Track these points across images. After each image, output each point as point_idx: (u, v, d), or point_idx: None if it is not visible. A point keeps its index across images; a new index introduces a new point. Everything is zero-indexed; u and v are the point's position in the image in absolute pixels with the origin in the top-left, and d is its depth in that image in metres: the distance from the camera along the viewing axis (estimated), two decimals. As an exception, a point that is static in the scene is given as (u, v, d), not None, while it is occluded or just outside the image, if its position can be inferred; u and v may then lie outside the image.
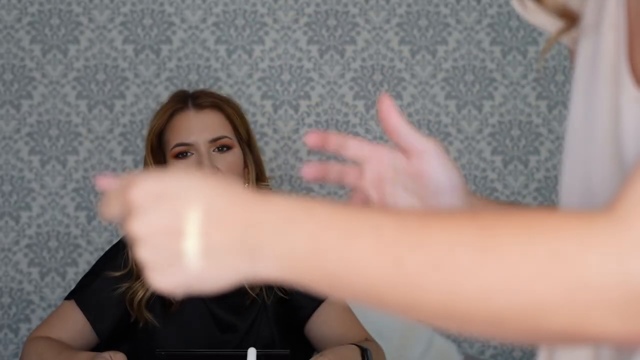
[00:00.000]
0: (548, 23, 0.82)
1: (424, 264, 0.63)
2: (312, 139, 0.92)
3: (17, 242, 2.70)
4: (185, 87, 2.66)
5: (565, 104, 2.74)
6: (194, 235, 0.67)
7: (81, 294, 2.04)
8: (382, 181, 0.91)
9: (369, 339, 2.04)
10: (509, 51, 2.75)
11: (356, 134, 2.73)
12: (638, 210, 0.60)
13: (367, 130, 2.73)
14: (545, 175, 2.74)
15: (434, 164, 0.89)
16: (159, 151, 2.04)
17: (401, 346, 2.38)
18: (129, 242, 0.70)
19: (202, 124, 2.01)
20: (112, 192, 0.72)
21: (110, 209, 0.72)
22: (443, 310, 0.64)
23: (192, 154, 1.98)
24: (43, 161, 2.71)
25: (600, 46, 0.75)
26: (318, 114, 2.74)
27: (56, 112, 2.71)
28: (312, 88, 2.74)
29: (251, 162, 2.06)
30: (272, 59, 2.74)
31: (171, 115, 2.03)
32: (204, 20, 2.73)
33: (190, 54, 2.73)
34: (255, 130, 2.66)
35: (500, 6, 2.75)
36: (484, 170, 2.74)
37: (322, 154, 2.74)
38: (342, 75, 2.74)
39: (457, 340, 2.68)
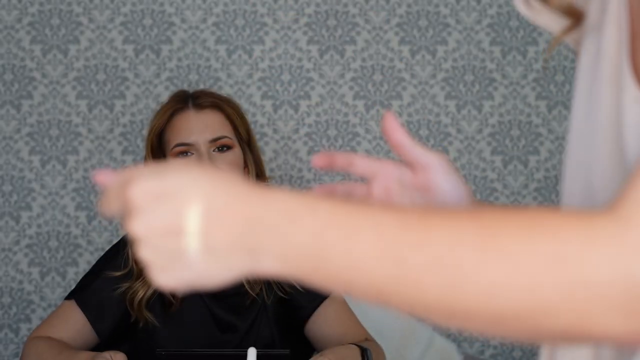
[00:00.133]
0: (552, 22, 0.82)
1: (426, 262, 0.63)
2: (319, 160, 0.93)
3: (17, 242, 2.70)
4: (185, 87, 2.67)
5: (565, 104, 2.74)
6: (194, 234, 0.67)
7: (81, 294, 2.04)
8: (390, 196, 0.91)
9: (369, 338, 2.04)
10: (509, 51, 2.75)
11: (356, 134, 2.73)
12: (639, 210, 0.61)
13: (367, 130, 2.74)
14: (545, 175, 2.74)
15: (439, 177, 0.90)
16: (159, 151, 2.04)
17: (401, 346, 2.39)
18: (130, 240, 0.70)
19: (202, 124, 2.01)
20: (111, 190, 0.72)
21: (110, 207, 0.72)
22: (444, 308, 0.64)
23: (193, 154, 1.99)
24: (43, 161, 2.71)
25: (603, 46, 0.75)
26: (318, 114, 2.74)
27: (56, 112, 2.71)
28: (312, 88, 2.74)
29: (251, 162, 2.06)
30: (272, 59, 2.74)
31: (171, 115, 2.03)
32: (204, 20, 2.74)
33: (191, 54, 2.73)
34: (255, 130, 2.66)
35: (500, 6, 2.75)
36: (483, 170, 2.74)
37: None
38: (342, 75, 2.74)
39: (457, 340, 2.68)
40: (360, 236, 0.65)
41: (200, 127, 2.00)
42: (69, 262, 2.70)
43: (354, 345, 1.91)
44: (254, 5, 2.74)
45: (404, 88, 2.74)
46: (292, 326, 2.07)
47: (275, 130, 2.73)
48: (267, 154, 2.71)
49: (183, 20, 2.73)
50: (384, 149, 2.73)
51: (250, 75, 2.74)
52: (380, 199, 0.92)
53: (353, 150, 2.74)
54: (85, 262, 2.69)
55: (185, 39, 2.73)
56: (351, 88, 2.74)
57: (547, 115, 2.74)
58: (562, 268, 0.60)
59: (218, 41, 2.74)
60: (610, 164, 0.72)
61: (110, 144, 2.71)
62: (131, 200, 0.69)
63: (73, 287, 2.22)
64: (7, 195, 2.70)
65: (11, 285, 2.69)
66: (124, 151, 2.71)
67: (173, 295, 2.02)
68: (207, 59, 2.73)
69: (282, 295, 2.04)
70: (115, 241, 2.24)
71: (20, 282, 2.70)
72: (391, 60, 2.74)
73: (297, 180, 2.73)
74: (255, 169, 2.07)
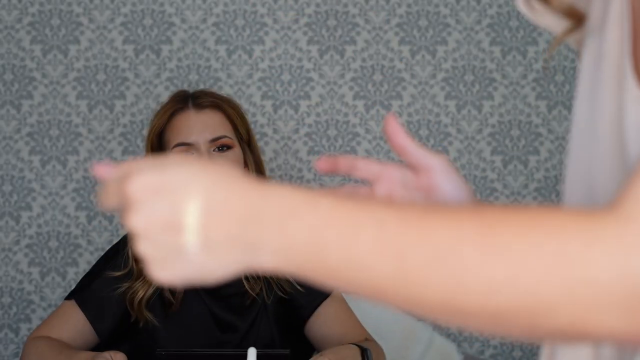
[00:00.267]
0: (554, 24, 0.82)
1: (427, 259, 0.63)
2: (322, 164, 0.93)
3: (17, 242, 2.70)
4: (185, 87, 2.67)
5: (565, 104, 2.74)
6: (193, 229, 0.67)
7: (81, 294, 2.04)
8: (393, 198, 0.92)
9: (369, 338, 2.04)
10: (509, 51, 2.75)
11: (356, 134, 2.74)
12: None
13: (367, 130, 2.74)
14: (544, 175, 2.74)
15: (442, 179, 0.90)
16: (159, 151, 2.04)
17: (401, 346, 2.39)
18: (129, 236, 0.70)
19: (202, 123, 2.01)
20: (110, 184, 0.72)
21: (109, 201, 0.72)
22: (444, 305, 0.64)
23: (193, 153, 1.99)
24: (43, 161, 2.71)
25: (605, 47, 0.75)
26: (318, 114, 2.74)
27: (56, 112, 2.72)
28: (312, 88, 2.74)
29: (251, 162, 2.06)
30: (272, 59, 2.74)
31: (171, 115, 2.04)
32: (204, 20, 2.74)
33: (191, 54, 2.73)
34: (255, 130, 2.66)
35: (500, 6, 2.75)
36: (483, 170, 2.74)
37: (322, 154, 2.74)
38: (342, 75, 2.74)
39: (457, 340, 2.68)
40: (361, 233, 0.65)
41: (200, 127, 2.00)
42: (69, 262, 2.70)
43: (354, 345, 1.92)
44: (254, 5, 2.74)
45: (404, 88, 2.74)
46: (292, 326, 2.07)
47: (275, 130, 2.73)
48: (267, 154, 2.71)
49: (183, 21, 2.73)
50: (384, 149, 2.73)
51: (250, 75, 2.74)
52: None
53: (353, 150, 2.74)
54: (85, 262, 2.69)
55: (185, 39, 2.73)
56: (351, 88, 2.74)
57: (547, 115, 2.74)
58: (563, 266, 0.60)
59: (218, 41, 2.74)
60: (612, 164, 0.72)
61: (110, 144, 2.71)
62: (130, 194, 0.69)
63: (73, 287, 2.22)
64: (7, 195, 2.70)
65: (11, 285, 2.69)
66: (124, 151, 2.71)
67: (173, 295, 2.02)
68: (207, 59, 2.73)
69: (282, 295, 2.04)
70: (115, 241, 2.24)
71: (21, 282, 2.70)
72: (391, 60, 2.75)
73: (297, 180, 2.73)
74: (255, 168, 2.07)
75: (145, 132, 2.58)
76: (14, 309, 2.70)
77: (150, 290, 2.00)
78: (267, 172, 2.22)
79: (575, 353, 0.76)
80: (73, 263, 2.70)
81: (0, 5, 2.71)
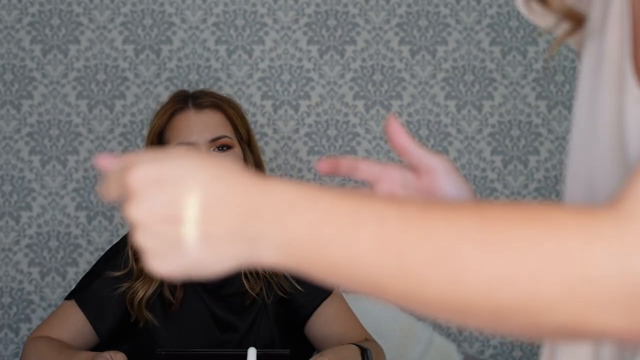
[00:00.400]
0: (554, 25, 0.82)
1: (427, 256, 0.63)
2: (323, 165, 0.93)
3: (17, 242, 2.70)
4: (185, 87, 2.67)
5: (565, 104, 2.75)
6: (192, 222, 0.67)
7: (81, 294, 2.04)
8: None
9: (369, 338, 2.04)
10: (509, 51, 2.75)
11: (356, 134, 2.74)
12: None
13: (367, 130, 2.74)
14: (544, 175, 2.75)
15: (443, 180, 0.90)
16: (160, 151, 2.04)
17: (401, 346, 2.39)
18: (129, 231, 0.70)
19: (202, 123, 2.01)
20: (112, 175, 0.72)
21: (109, 192, 0.72)
22: (443, 302, 0.64)
23: (193, 153, 1.99)
24: (43, 161, 2.71)
25: (605, 47, 0.75)
26: (318, 114, 2.74)
27: (56, 112, 2.72)
28: (312, 88, 2.74)
29: (251, 162, 2.06)
30: (272, 59, 2.74)
31: (171, 115, 2.04)
32: (204, 20, 2.74)
33: (191, 54, 2.73)
34: (255, 130, 2.66)
35: (500, 6, 2.75)
36: (483, 170, 2.74)
37: (322, 154, 2.74)
38: (342, 75, 2.74)
39: (457, 340, 2.68)
40: (361, 229, 0.65)
41: (200, 127, 2.00)
42: (69, 262, 2.70)
43: (354, 345, 1.92)
44: (254, 5, 2.75)
45: (404, 88, 2.75)
46: (292, 326, 2.07)
47: (275, 130, 2.73)
48: (267, 154, 2.71)
49: (183, 21, 2.73)
50: (384, 149, 2.73)
51: (250, 76, 2.74)
52: None
53: (353, 150, 2.74)
54: (85, 262, 2.69)
55: (185, 39, 2.73)
56: (351, 88, 2.74)
57: (547, 115, 2.75)
58: (563, 263, 0.60)
59: (218, 41, 2.74)
60: (612, 164, 0.73)
61: (110, 144, 2.71)
62: (131, 186, 0.69)
63: (73, 287, 2.22)
64: (7, 195, 2.70)
65: (11, 285, 2.69)
66: (124, 151, 2.71)
67: (173, 295, 2.02)
68: (207, 59, 2.73)
69: (282, 295, 2.04)
70: (115, 241, 2.24)
71: (20, 282, 2.70)
72: (391, 60, 2.75)
73: (297, 181, 2.73)
74: (255, 169, 2.07)
75: (145, 132, 2.58)
76: (14, 309, 2.70)
77: (150, 290, 2.00)
78: (267, 172, 2.22)
79: (575, 353, 0.76)
80: (73, 263, 2.70)
81: (0, 5, 2.71)
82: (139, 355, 1.97)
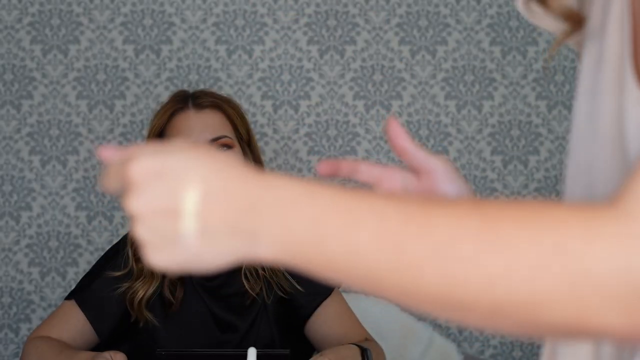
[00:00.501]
0: (553, 26, 0.82)
1: (426, 251, 0.63)
2: (324, 167, 0.93)
3: (17, 242, 2.70)
4: (185, 87, 2.67)
5: (565, 104, 2.75)
6: (191, 216, 0.67)
7: (81, 294, 2.04)
8: None
9: (369, 338, 2.04)
10: (509, 51, 2.75)
11: (356, 134, 2.74)
12: None
13: (367, 130, 2.74)
14: (544, 175, 2.75)
15: (443, 181, 0.90)
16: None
17: (401, 346, 2.39)
18: (127, 218, 0.70)
19: (202, 123, 2.01)
20: (113, 166, 0.72)
21: (110, 183, 0.72)
22: (443, 298, 0.64)
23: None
24: (43, 161, 2.71)
25: (605, 48, 0.75)
26: (318, 114, 2.74)
27: (56, 112, 2.72)
28: (312, 88, 2.74)
29: (251, 162, 2.06)
30: (272, 59, 2.74)
31: (171, 115, 2.04)
32: (204, 20, 2.74)
33: (191, 54, 2.73)
34: (255, 130, 2.66)
35: (500, 6, 2.75)
36: (483, 170, 2.74)
37: (323, 154, 2.74)
38: (342, 75, 2.74)
39: (457, 340, 2.68)
40: (360, 224, 0.65)
41: (200, 127, 2.01)
42: (69, 262, 2.70)
43: (354, 345, 1.92)
44: (254, 5, 2.75)
45: (404, 88, 2.75)
46: (292, 326, 2.07)
47: (275, 130, 2.73)
48: (267, 154, 2.71)
49: (183, 21, 2.73)
50: (384, 149, 2.73)
51: (250, 76, 2.74)
52: None
53: (353, 150, 2.74)
54: (85, 262, 2.69)
55: (185, 39, 2.73)
56: (351, 88, 2.74)
57: (547, 115, 2.75)
58: (562, 260, 0.60)
59: (218, 41, 2.74)
60: (612, 165, 0.73)
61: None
62: (131, 177, 0.69)
63: (73, 287, 2.22)
64: (7, 195, 2.70)
65: (11, 285, 2.69)
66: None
67: (173, 295, 2.02)
68: (207, 59, 2.73)
69: (282, 295, 2.04)
70: (115, 241, 2.24)
71: (20, 282, 2.70)
72: (391, 60, 2.75)
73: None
74: (255, 169, 2.06)
75: (145, 132, 2.58)
76: (14, 309, 2.70)
77: (150, 290, 2.00)
78: (267, 172, 2.22)
79: (576, 353, 0.76)
80: (73, 263, 2.70)
81: (0, 5, 2.71)
82: (139, 355, 1.97)
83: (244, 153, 2.05)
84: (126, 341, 2.04)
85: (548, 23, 0.82)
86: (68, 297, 2.06)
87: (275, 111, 2.74)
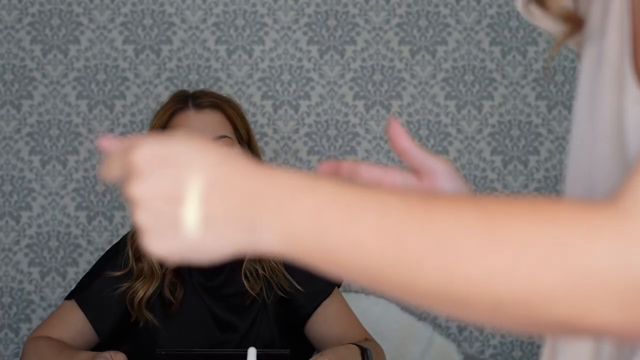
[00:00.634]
0: (553, 26, 0.82)
1: (427, 245, 0.63)
2: (324, 168, 0.93)
3: (17, 242, 2.70)
4: (185, 87, 2.67)
5: (565, 104, 2.75)
6: (194, 203, 0.67)
7: (81, 294, 2.04)
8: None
9: (369, 338, 2.04)
10: (509, 51, 2.75)
11: (356, 134, 2.74)
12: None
13: (367, 130, 2.74)
14: (544, 175, 2.75)
15: (444, 183, 0.90)
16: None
17: (401, 346, 2.39)
18: (128, 204, 0.69)
19: (202, 123, 2.01)
20: (114, 155, 0.71)
21: (111, 171, 0.71)
22: (443, 293, 0.64)
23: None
24: (43, 161, 2.71)
25: (605, 48, 0.75)
26: (318, 114, 2.74)
27: (56, 112, 2.72)
28: (312, 88, 2.74)
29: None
30: (272, 59, 2.74)
31: (171, 115, 2.04)
32: (204, 20, 2.74)
33: (191, 54, 2.73)
34: (255, 130, 2.66)
35: (500, 6, 2.75)
36: (483, 170, 2.74)
37: (323, 154, 2.74)
38: (342, 76, 2.74)
39: (457, 340, 2.68)
40: (362, 217, 0.65)
41: (200, 127, 2.01)
42: (69, 262, 2.70)
43: (354, 345, 1.92)
44: (254, 5, 2.75)
45: (404, 88, 2.75)
46: (292, 326, 2.07)
47: (275, 130, 2.73)
48: (267, 154, 2.71)
49: (183, 21, 2.73)
50: (384, 149, 2.73)
51: (250, 76, 2.74)
52: None
53: (353, 150, 2.74)
54: (85, 262, 2.69)
55: (185, 39, 2.73)
56: (351, 88, 2.74)
57: (547, 115, 2.75)
58: (562, 257, 0.61)
59: (218, 41, 2.74)
60: (612, 164, 0.73)
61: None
62: (134, 164, 0.68)
63: (73, 287, 2.22)
64: (7, 195, 2.70)
65: (11, 285, 2.70)
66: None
67: (173, 295, 2.02)
68: (207, 59, 2.73)
69: (282, 295, 2.04)
70: (115, 241, 2.24)
71: (20, 282, 2.70)
72: (391, 60, 2.75)
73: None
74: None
75: (145, 132, 2.58)
76: (14, 309, 2.70)
77: (150, 290, 2.00)
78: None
79: (576, 351, 0.76)
80: (73, 263, 2.70)
81: (0, 5, 2.71)
82: (139, 355, 1.97)
83: (244, 153, 2.05)
84: (126, 341, 2.04)
85: (547, 24, 0.82)
86: (68, 297, 2.07)
87: (275, 111, 2.74)
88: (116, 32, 2.73)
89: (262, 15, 2.75)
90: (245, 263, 2.02)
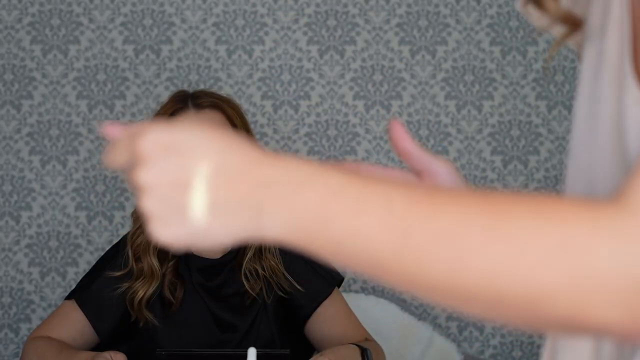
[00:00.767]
0: (552, 27, 0.83)
1: (431, 238, 0.64)
2: None
3: (17, 242, 2.70)
4: (185, 87, 2.67)
5: (565, 104, 2.75)
6: (200, 190, 0.67)
7: (81, 294, 2.04)
8: None
9: (369, 338, 2.04)
10: (509, 51, 2.75)
11: (356, 134, 2.74)
12: None
13: (367, 130, 2.74)
14: (544, 175, 2.75)
15: (445, 184, 0.90)
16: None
17: (401, 346, 2.39)
18: (134, 191, 0.69)
19: (202, 123, 2.01)
20: (120, 142, 0.71)
21: (117, 158, 0.71)
22: (445, 285, 0.64)
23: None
24: (43, 161, 2.71)
25: (605, 48, 0.75)
26: (318, 114, 2.74)
27: (56, 112, 2.72)
28: (312, 88, 2.74)
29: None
30: (272, 59, 2.74)
31: (171, 115, 2.03)
32: (204, 20, 2.74)
33: (191, 54, 2.73)
34: (255, 130, 2.66)
35: (500, 6, 2.75)
36: (483, 170, 2.74)
37: (323, 154, 2.74)
38: (342, 75, 2.74)
39: (457, 340, 2.68)
40: (367, 208, 0.65)
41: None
42: (69, 262, 2.70)
43: (354, 345, 1.92)
44: (254, 5, 2.75)
45: (404, 88, 2.75)
46: (292, 326, 2.07)
47: (275, 130, 2.73)
48: (267, 154, 2.71)
49: (183, 21, 2.73)
50: (384, 149, 2.73)
51: (250, 76, 2.74)
52: None
53: (353, 150, 2.74)
54: (85, 262, 2.69)
55: (185, 39, 2.73)
56: (351, 88, 2.74)
57: (547, 115, 2.75)
58: (565, 255, 0.61)
59: (218, 41, 2.74)
60: (612, 164, 0.73)
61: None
62: (141, 150, 0.68)
63: (73, 287, 2.22)
64: (7, 195, 2.71)
65: (11, 285, 2.70)
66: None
67: (173, 295, 2.02)
68: (207, 59, 2.73)
69: (282, 295, 2.04)
70: (115, 241, 2.24)
71: (20, 282, 2.70)
72: (391, 60, 2.75)
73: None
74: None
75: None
76: (14, 309, 2.70)
77: (150, 290, 2.00)
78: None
79: (576, 351, 0.77)
80: (73, 263, 2.70)
81: (0, 5, 2.71)
82: (139, 355, 1.97)
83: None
84: (126, 341, 2.04)
85: (546, 25, 0.83)
86: (68, 297, 2.07)
87: (275, 111, 2.74)
88: (116, 32, 2.73)
89: (262, 15, 2.75)
90: (245, 263, 2.02)
